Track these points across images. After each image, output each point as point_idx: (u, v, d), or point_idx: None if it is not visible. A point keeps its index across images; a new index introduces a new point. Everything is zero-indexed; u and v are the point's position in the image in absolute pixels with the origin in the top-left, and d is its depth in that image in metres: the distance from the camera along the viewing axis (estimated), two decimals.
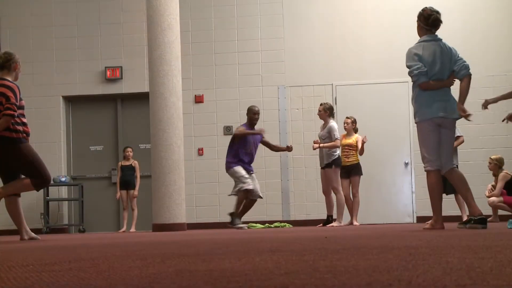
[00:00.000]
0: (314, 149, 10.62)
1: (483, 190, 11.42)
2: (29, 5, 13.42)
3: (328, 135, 10.57)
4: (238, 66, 12.97)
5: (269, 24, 12.98)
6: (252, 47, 12.95)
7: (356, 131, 11.12)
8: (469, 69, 6.38)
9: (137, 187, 12.38)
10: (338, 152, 10.71)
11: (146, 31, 11.50)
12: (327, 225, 10.68)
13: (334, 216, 10.85)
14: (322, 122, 10.97)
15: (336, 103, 12.61)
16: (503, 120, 7.24)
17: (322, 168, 10.79)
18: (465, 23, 12.52)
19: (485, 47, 12.46)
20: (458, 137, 9.85)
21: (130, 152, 12.44)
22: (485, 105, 6.96)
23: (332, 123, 10.65)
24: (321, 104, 10.86)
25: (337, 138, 10.50)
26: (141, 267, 2.24)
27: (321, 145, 10.53)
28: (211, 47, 13.04)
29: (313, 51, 12.83)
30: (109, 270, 2.15)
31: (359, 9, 12.85)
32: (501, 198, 10.63)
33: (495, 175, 10.87)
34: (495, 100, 7.12)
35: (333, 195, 10.77)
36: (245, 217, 12.80)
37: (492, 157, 10.93)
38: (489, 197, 10.77)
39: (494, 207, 10.69)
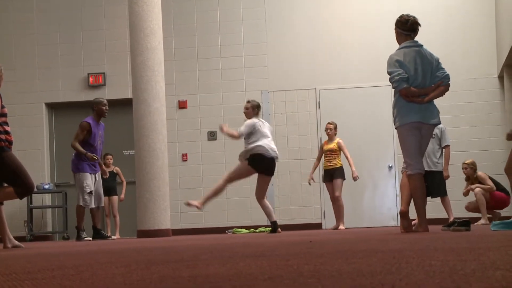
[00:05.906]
0: (221, 130, 9.26)
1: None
2: (11, 12, 13.35)
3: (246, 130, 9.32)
4: (221, 71, 12.96)
5: (252, 29, 13.00)
6: (235, 52, 12.96)
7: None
8: (449, 80, 6.46)
9: (123, 191, 12.31)
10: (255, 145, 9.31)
11: (128, 37, 11.47)
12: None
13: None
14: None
15: (319, 108, 12.65)
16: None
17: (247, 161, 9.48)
18: (446, 27, 12.60)
19: (466, 50, 12.54)
20: (447, 146, 9.79)
21: (110, 159, 12.36)
22: (509, 138, 7.35)
23: (250, 120, 9.36)
24: (248, 102, 9.70)
25: (240, 132, 9.21)
26: (125, 274, 2.23)
27: (225, 129, 9.17)
28: (194, 52, 13.03)
29: (296, 55, 12.86)
30: (92, 278, 2.14)
31: (342, 14, 12.90)
32: (483, 190, 10.39)
33: (469, 180, 10.72)
34: None
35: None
36: (230, 222, 12.82)
37: (466, 162, 10.78)
38: (472, 189, 10.48)
39: (478, 197, 10.35)
